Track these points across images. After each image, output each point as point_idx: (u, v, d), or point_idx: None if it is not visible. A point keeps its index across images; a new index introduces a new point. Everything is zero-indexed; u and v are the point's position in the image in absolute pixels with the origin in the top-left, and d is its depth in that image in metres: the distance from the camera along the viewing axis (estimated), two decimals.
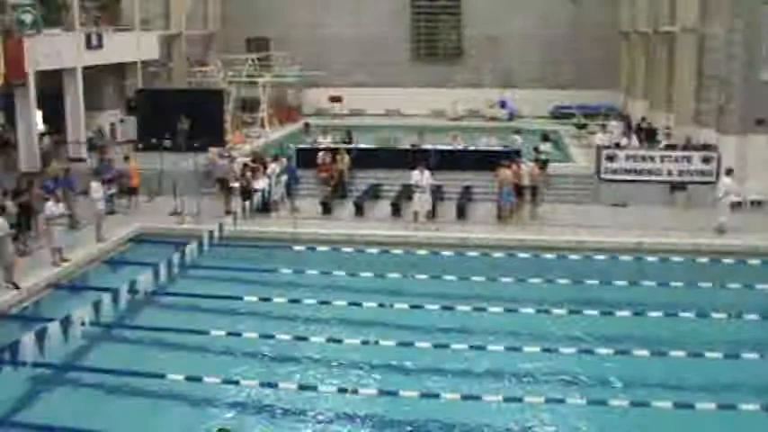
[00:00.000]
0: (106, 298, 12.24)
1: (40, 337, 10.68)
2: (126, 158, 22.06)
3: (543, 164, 21.92)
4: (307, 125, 31.02)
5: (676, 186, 21.21)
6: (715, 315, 13.68)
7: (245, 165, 21.59)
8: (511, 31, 35.62)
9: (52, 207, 16.23)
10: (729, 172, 19.12)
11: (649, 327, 13.53)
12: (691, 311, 13.72)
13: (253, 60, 31.41)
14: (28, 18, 21.61)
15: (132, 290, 12.99)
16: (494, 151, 22.99)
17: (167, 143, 24.63)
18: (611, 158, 21.67)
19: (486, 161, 21.98)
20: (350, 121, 32.64)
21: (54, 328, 10.96)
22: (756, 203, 19.33)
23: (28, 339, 10.55)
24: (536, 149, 22.63)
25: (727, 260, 16.75)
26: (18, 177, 19.06)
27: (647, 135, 24.34)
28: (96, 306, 11.98)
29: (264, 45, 36.01)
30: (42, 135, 23.26)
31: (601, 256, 17.03)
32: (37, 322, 12.34)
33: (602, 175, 21.83)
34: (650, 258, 16.98)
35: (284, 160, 21.86)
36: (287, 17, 36.41)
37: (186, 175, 21.76)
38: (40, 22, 21.94)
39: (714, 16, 22.06)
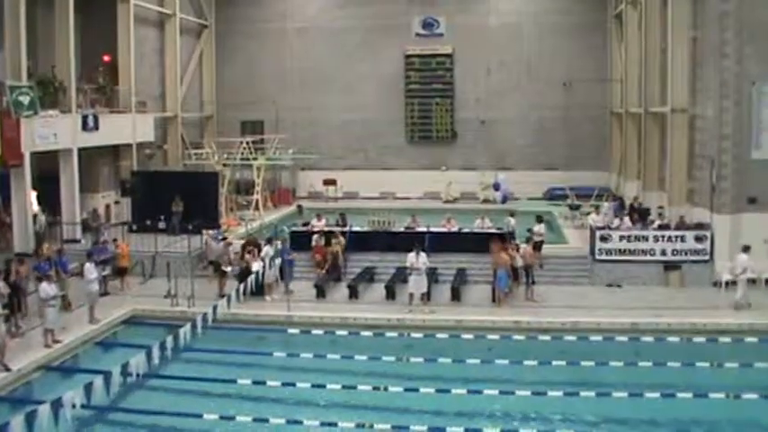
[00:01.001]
0: (98, 380, 12.16)
1: (30, 420, 10.62)
2: (114, 240, 22.30)
3: (537, 245, 22.13)
4: (299, 207, 31.42)
5: (670, 266, 21.38)
6: (713, 395, 13.66)
7: (245, 245, 21.76)
8: (503, 114, 36.78)
9: (46, 288, 16.36)
10: (747, 249, 19.19)
11: (646, 408, 13.49)
12: (688, 392, 13.72)
13: (247, 143, 32.16)
14: (25, 100, 21.92)
15: (125, 372, 12.93)
16: (488, 233, 23.21)
17: (161, 225, 24.93)
18: (604, 239, 21.93)
19: (481, 243, 22.18)
20: (344, 204, 33.15)
21: (44, 410, 10.90)
22: (750, 281, 19.43)
23: (17, 422, 10.48)
24: (530, 231, 22.89)
25: (724, 339, 16.82)
26: (9, 258, 19.28)
27: (640, 215, 24.62)
28: (88, 388, 11.90)
29: (259, 128, 37.00)
30: (36, 215, 23.55)
31: (596, 337, 17.07)
32: (27, 405, 12.31)
33: (597, 256, 21.99)
34: (646, 339, 17.03)
35: (278, 243, 22.08)
36: (281, 101, 37.44)
37: (180, 257, 21.90)
38: (37, 104, 22.31)
39: (704, 97, 22.44)
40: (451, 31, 36.94)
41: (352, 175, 36.94)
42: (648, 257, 21.60)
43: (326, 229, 24.10)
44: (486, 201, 34.88)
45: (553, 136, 36.40)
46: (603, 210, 25.92)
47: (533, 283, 20.48)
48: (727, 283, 20.53)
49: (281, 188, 36.06)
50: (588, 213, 26.36)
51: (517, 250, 21.01)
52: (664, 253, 21.52)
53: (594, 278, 21.81)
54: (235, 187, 32.52)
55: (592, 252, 22.28)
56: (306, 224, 25.15)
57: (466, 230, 24.19)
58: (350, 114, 37.59)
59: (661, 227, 22.66)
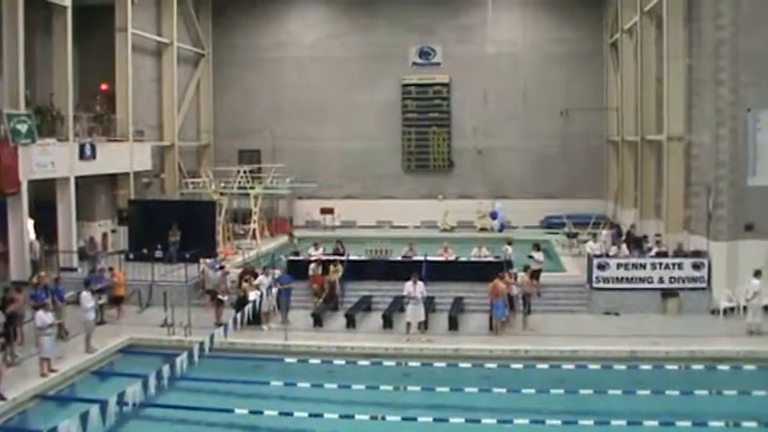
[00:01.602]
0: (94, 410, 12.09)
1: None
2: (111, 269, 22.26)
3: (535, 273, 22.21)
4: (291, 236, 31.46)
5: (668, 293, 21.40)
6: (712, 423, 13.62)
7: (242, 274, 21.78)
8: (501, 143, 36.96)
9: (43, 317, 16.36)
10: (758, 273, 19.17)
11: None
12: (687, 420, 13.67)
13: (244, 172, 32.32)
14: (23, 128, 22.04)
15: (121, 402, 12.86)
16: (485, 262, 23.22)
17: (158, 254, 24.93)
18: (602, 267, 21.95)
19: (478, 272, 22.27)
20: (341, 233, 33.27)
21: None
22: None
23: None
24: (531, 257, 22.96)
25: (723, 366, 16.83)
26: (7, 287, 19.26)
27: (636, 243, 24.68)
28: (84, 418, 11.81)
29: (256, 157, 37.19)
30: (32, 243, 23.55)
31: (594, 366, 17.04)
32: None
33: (594, 284, 22.01)
34: (644, 367, 17.02)
35: (276, 272, 22.10)
36: (278, 130, 37.62)
37: (177, 286, 21.94)
38: (35, 132, 22.41)
39: (700, 124, 22.54)
40: (448, 59, 37.35)
41: (350, 203, 37.17)
42: (646, 285, 21.64)
43: (324, 257, 24.08)
44: (483, 229, 35.00)
45: (550, 164, 36.65)
46: (601, 238, 25.95)
47: (531, 311, 20.47)
48: (725, 311, 20.62)
49: (278, 217, 36.12)
50: (585, 241, 26.35)
51: (515, 279, 20.99)
52: (661, 280, 21.57)
53: (592, 306, 21.79)
54: (232, 216, 32.52)
55: (589, 280, 22.31)
56: (296, 253, 25.09)
57: (463, 259, 24.21)
58: (347, 143, 37.85)
59: (658, 254, 22.72)
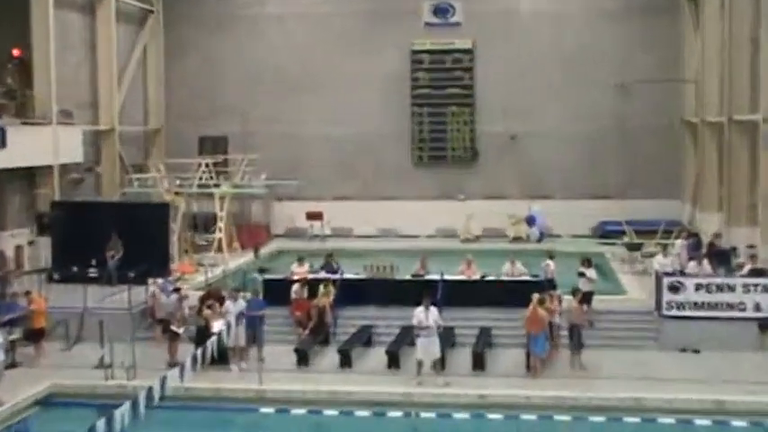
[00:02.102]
0: None
1: None
2: (27, 293, 22.06)
3: (586, 297, 22.05)
4: (256, 250, 31.68)
5: (766, 325, 21.24)
6: None
7: (204, 299, 21.83)
8: (539, 127, 37.07)
9: None
10: None
11: None
12: None
13: (207, 166, 32.46)
14: None
15: None
16: (520, 282, 23.32)
17: (93, 273, 24.99)
18: (675, 289, 21.81)
19: (510, 295, 22.36)
20: (333, 244, 33.53)
21: None
22: None
23: None
24: (582, 274, 22.89)
25: None
26: None
27: (722, 257, 24.37)
28: None
29: (222, 146, 37.39)
30: None
31: (667, 419, 16.93)
32: None
33: (665, 311, 21.94)
34: (737, 423, 16.89)
35: (248, 295, 22.07)
36: (251, 110, 37.90)
37: (117, 315, 21.86)
38: None
39: None
40: (471, 19, 37.43)
41: (344, 206, 37.23)
42: (736, 313, 21.46)
43: (310, 276, 24.15)
44: (517, 239, 35.28)
45: (605, 154, 36.65)
46: (674, 250, 25.72)
47: (581, 346, 20.34)
48: None
49: (251, 224, 36.34)
50: (653, 255, 26.33)
51: (559, 303, 20.91)
52: (757, 308, 21.38)
53: (663, 340, 21.67)
54: (191, 223, 32.75)
55: (658, 306, 22.21)
56: (262, 271, 25.23)
57: (491, 278, 24.35)
58: (341, 128, 38.02)
59: (753, 272, 22.47)
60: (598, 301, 22.90)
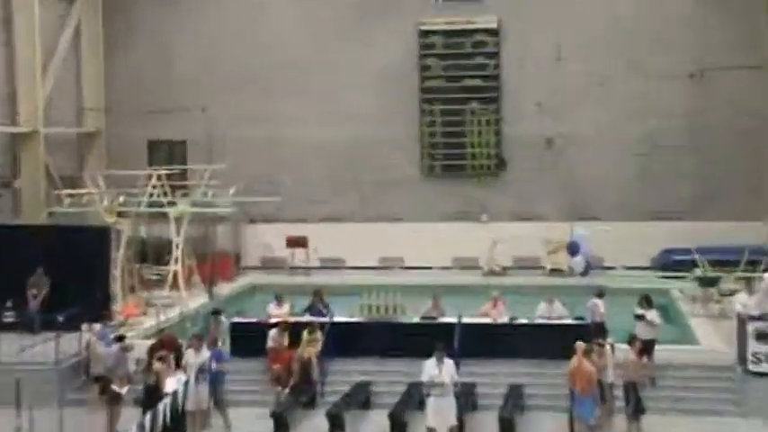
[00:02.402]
0: None
1: None
2: None
3: (646, 347, 21.82)
4: (210, 286, 31.54)
5: None
6: None
7: (154, 350, 21.46)
8: (586, 128, 37.14)
9: None
10: None
11: None
12: None
13: (159, 178, 32.41)
14: None
15: None
16: (560, 327, 23.38)
17: (9, 317, 25.01)
18: (764, 337, 21.64)
19: (548, 343, 22.52)
20: (321, 279, 33.83)
21: None
22: None
23: None
24: (641, 317, 22.86)
25: None
26: None
27: None
28: None
29: (180, 153, 37.80)
30: None
31: None
32: None
33: (751, 367, 21.71)
34: None
35: (211, 344, 21.64)
36: (217, 109, 38.09)
37: (41, 372, 21.78)
38: None
39: None
40: None
41: (335, 230, 37.50)
42: None
43: (291, 320, 24.19)
44: (556, 272, 35.44)
45: (671, 162, 36.69)
46: (761, 286, 24.55)
47: (641, 411, 20.11)
48: None
49: (216, 253, 36.23)
50: (733, 293, 26.24)
51: (611, 353, 20.88)
52: None
53: (747, 404, 21.41)
54: (138, 251, 32.92)
55: (742, 359, 22.06)
56: (217, 313, 25.19)
57: (522, 321, 24.38)
58: (331, 131, 38.26)
59: None
60: (662, 352, 22.73)
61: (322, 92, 38.28)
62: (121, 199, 31.25)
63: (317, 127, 38.22)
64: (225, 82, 38.54)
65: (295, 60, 38.29)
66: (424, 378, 19.35)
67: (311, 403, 22.23)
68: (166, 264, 31.82)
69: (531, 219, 37.06)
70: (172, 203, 31.98)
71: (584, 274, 34.47)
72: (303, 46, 38.32)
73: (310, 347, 22.78)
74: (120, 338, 22.53)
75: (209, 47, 38.72)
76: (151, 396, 19.54)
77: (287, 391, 22.24)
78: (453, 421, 19.21)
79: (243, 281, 35.60)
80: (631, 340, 21.07)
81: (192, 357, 20.76)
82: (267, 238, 37.70)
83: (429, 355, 19.35)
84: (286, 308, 25.32)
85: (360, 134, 38.14)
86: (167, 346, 21.69)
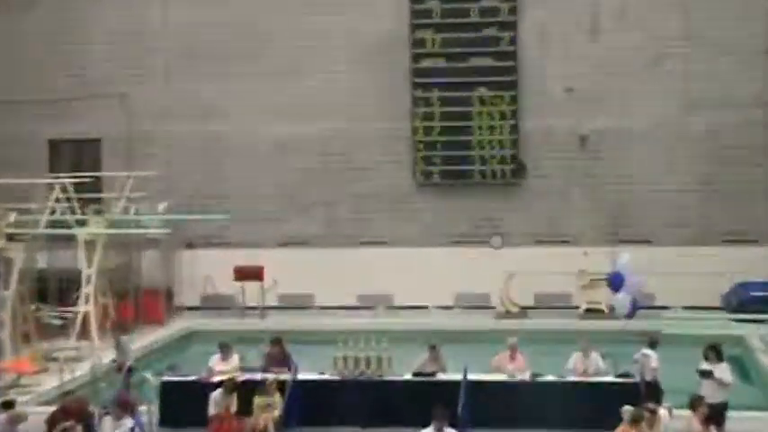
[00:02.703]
0: None
1: None
2: None
3: (714, 412, 21.31)
4: (118, 334, 30.30)
5: None
6: None
7: (55, 419, 20.93)
8: (631, 122, 37.51)
9: None
10: None
11: None
12: None
13: (64, 189, 32.29)
14: None
15: None
16: (599, 385, 23.60)
17: None
18: None
19: (584, 408, 22.78)
20: (281, 321, 34.69)
21: None
22: None
23: None
24: (705, 374, 22.29)
25: None
26: None
27: None
28: None
29: (92, 156, 37.92)
30: None
31: None
32: None
33: None
34: None
35: (126, 411, 21.16)
36: (143, 96, 38.23)
37: None
38: None
39: None
40: None
41: (300, 258, 37.80)
42: None
43: (241, 378, 23.98)
44: (592, 312, 35.77)
45: (745, 168, 36.89)
46: None
47: None
48: None
49: (140, 289, 36.38)
50: None
51: (668, 417, 20.36)
52: None
53: None
54: (36, 287, 32.77)
55: None
56: (119, 367, 25.59)
57: (549, 379, 24.52)
58: (296, 127, 38.68)
59: None
60: (735, 421, 22.27)
61: (285, 77, 38.36)
62: (11, 217, 30.74)
63: (277, 121, 38.53)
64: (154, 62, 38.84)
65: (247, 33, 38.53)
66: None
67: None
68: (73, 304, 31.52)
69: (560, 242, 37.36)
70: (81, 223, 31.77)
71: (631, 315, 34.05)
72: (258, 15, 38.53)
73: (266, 414, 22.43)
74: (8, 405, 21.74)
75: (131, 16, 38.91)
76: None
77: None
78: None
79: (176, 325, 35.71)
80: (695, 404, 20.62)
81: (109, 428, 20.50)
82: (209, 269, 37.71)
83: (425, 425, 19.39)
84: (234, 362, 25.11)
85: (332, 131, 38.53)
86: (74, 414, 21.08)
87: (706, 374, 22.14)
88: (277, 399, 22.87)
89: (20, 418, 20.84)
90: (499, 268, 36.19)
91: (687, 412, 20.33)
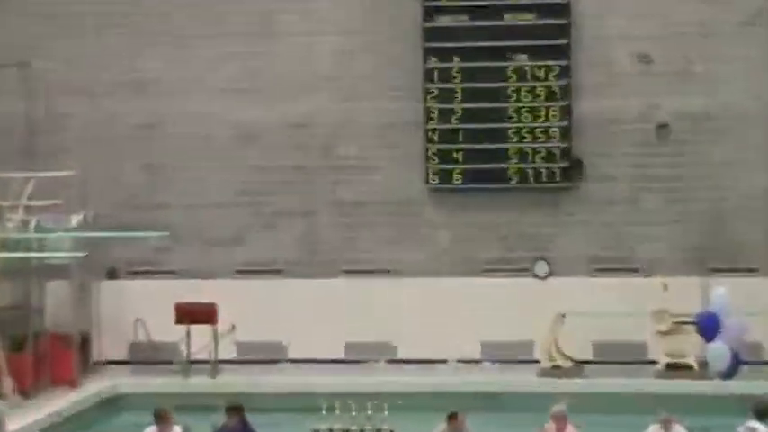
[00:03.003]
0: None
1: None
2: None
3: None
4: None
5: None
6: None
7: None
8: (729, 103, 36.60)
9: None
10: None
11: None
12: None
13: None
14: None
15: None
16: None
17: None
18: None
19: None
20: (241, 382, 33.96)
21: None
22: None
23: None
24: None
25: None
26: None
27: None
28: None
29: None
30: None
31: None
32: None
33: None
34: None
35: None
36: (50, 62, 37.63)
37: None
38: None
39: None
40: None
41: (266, 291, 37.12)
42: None
43: None
44: (675, 368, 34.67)
45: None
46: None
47: None
48: None
49: (44, 334, 35.44)
50: None
51: None
52: None
53: None
54: None
55: None
56: None
57: None
58: (262, 108, 37.93)
59: None
60: None
61: (246, 38, 37.67)
62: None
63: (238, 102, 37.59)
64: (67, 18, 37.77)
65: None
66: None
67: None
68: None
69: (628, 271, 36.36)
70: None
71: (730, 373, 33.21)
72: None
73: None
74: None
75: None
76: None
77: None
78: None
79: (94, 386, 34.49)
80: None
81: None
82: (141, 308, 36.56)
83: None
84: None
85: (313, 115, 37.53)
86: None
87: None
88: None
89: None
90: (544, 306, 35.26)
91: None
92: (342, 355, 36.91)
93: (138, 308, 36.57)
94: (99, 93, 37.53)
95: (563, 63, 36.84)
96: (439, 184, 37.33)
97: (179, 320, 35.46)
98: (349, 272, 37.18)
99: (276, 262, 37.54)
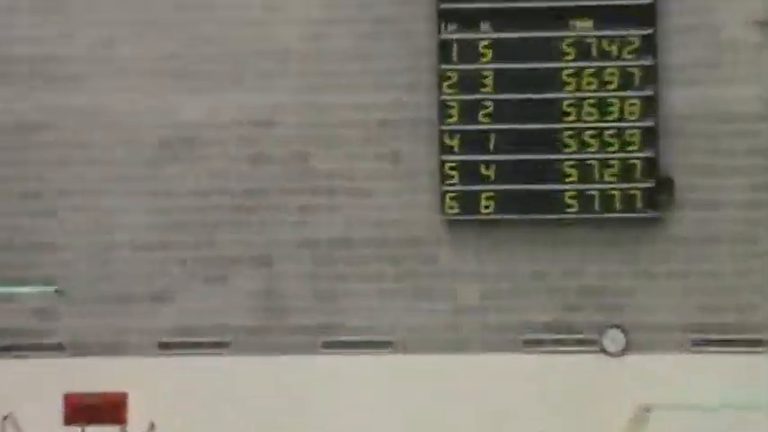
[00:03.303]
0: None
1: None
2: None
3: None
4: None
5: None
6: None
7: None
8: None
9: None
10: None
11: None
12: None
13: None
14: None
15: None
16: None
17: None
18: None
19: None
20: None
21: None
22: None
23: None
24: None
25: None
26: None
27: None
28: None
29: None
30: None
31: None
32: None
33: None
34: None
35: None
36: None
37: None
38: None
39: None
40: None
41: (203, 375, 34.51)
42: None
43: None
44: None
45: None
46: None
47: None
48: None
49: None
50: None
51: None
52: None
53: None
54: None
55: None
56: None
57: None
58: (207, 102, 35.45)
59: None
60: None
61: (186, 6, 35.50)
62: None
63: (159, 93, 35.21)
64: None
65: None
66: None
67: None
68: None
69: (744, 344, 33.44)
70: None
71: None
72: None
73: None
74: None
75: None
76: None
77: None
78: None
79: None
80: None
81: None
82: (13, 399, 33.91)
83: None
84: None
85: (278, 112, 34.97)
86: None
87: None
88: None
89: None
90: (619, 397, 32.91)
91: None
92: None
93: (8, 399, 33.85)
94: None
95: (646, 32, 34.07)
96: (460, 213, 34.27)
97: (70, 419, 32.76)
98: (329, 345, 34.26)
99: (221, 331, 34.70)
